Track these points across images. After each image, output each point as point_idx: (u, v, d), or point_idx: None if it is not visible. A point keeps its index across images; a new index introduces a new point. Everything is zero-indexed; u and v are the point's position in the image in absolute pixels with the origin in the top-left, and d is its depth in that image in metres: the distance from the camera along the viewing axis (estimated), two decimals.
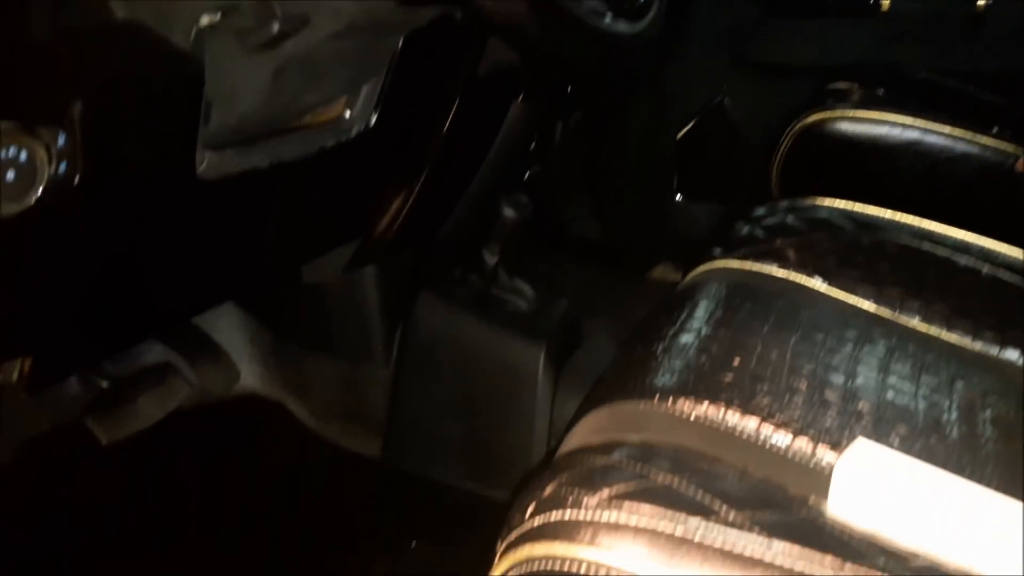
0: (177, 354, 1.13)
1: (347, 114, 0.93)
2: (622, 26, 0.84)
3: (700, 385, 0.59)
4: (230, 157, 0.80)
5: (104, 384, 1.06)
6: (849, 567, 0.42)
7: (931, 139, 1.14)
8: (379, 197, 1.08)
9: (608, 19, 0.83)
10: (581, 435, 0.58)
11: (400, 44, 0.91)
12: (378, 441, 1.20)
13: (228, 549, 1.05)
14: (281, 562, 1.06)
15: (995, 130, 1.18)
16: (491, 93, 1.09)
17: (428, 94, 1.02)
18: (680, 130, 1.77)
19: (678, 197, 1.80)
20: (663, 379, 0.61)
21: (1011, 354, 0.69)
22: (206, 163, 0.77)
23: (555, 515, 0.47)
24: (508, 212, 1.13)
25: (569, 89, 1.26)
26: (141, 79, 0.69)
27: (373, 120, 0.94)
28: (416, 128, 1.05)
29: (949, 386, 0.61)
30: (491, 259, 1.15)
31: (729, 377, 0.60)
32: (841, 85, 1.41)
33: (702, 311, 0.71)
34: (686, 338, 0.66)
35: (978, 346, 0.70)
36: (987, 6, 1.46)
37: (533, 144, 1.24)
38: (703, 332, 0.67)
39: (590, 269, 1.61)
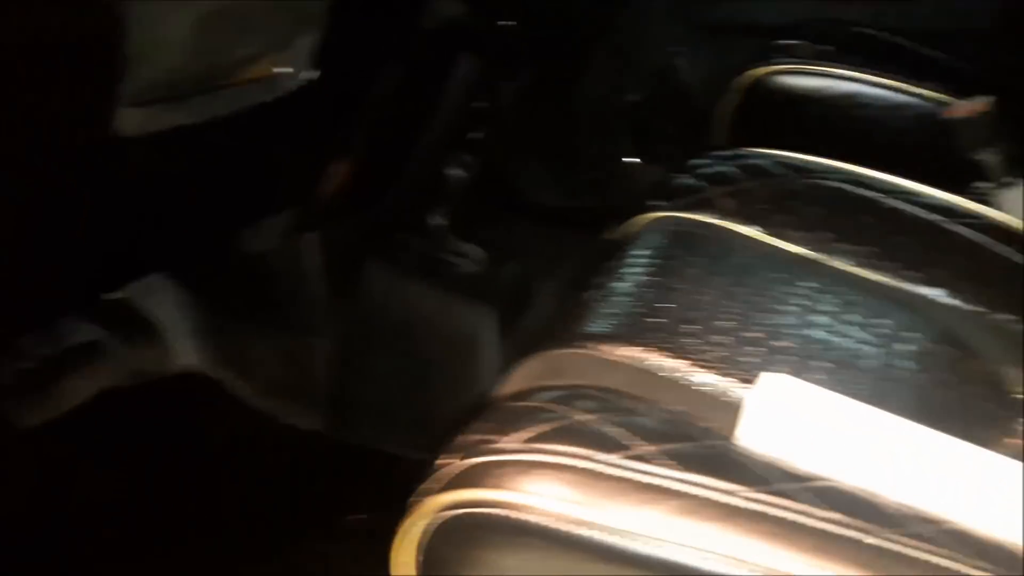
0: (106, 331, 1.06)
1: (282, 70, 0.91)
2: None
3: (630, 330, 0.59)
4: (155, 114, 0.78)
5: (26, 365, 1.00)
6: (750, 491, 0.42)
7: (870, 90, 1.15)
8: (320, 158, 1.07)
9: None
10: (509, 385, 0.58)
11: None
12: (324, 416, 1.18)
13: (167, 532, 1.02)
14: (226, 544, 1.03)
15: (934, 84, 1.20)
16: (437, 47, 1.07)
17: (369, 48, 1.00)
18: (634, 92, 1.78)
19: (634, 159, 1.81)
20: (594, 326, 0.61)
21: (932, 291, 0.70)
22: (129, 121, 0.75)
23: (471, 461, 0.46)
24: (455, 172, 1.12)
25: (519, 44, 1.25)
26: (56, 30, 0.66)
27: (310, 76, 0.92)
28: (358, 84, 1.03)
29: (871, 322, 0.62)
30: (439, 222, 1.14)
31: (658, 321, 0.60)
32: (787, 41, 1.41)
33: (637, 260, 0.71)
34: (620, 287, 0.67)
35: (903, 284, 0.71)
36: None
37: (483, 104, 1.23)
38: (637, 280, 0.67)
39: (546, 233, 1.61)
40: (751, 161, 0.86)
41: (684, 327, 0.59)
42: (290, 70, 0.91)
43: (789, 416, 0.47)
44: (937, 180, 1.03)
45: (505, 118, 1.42)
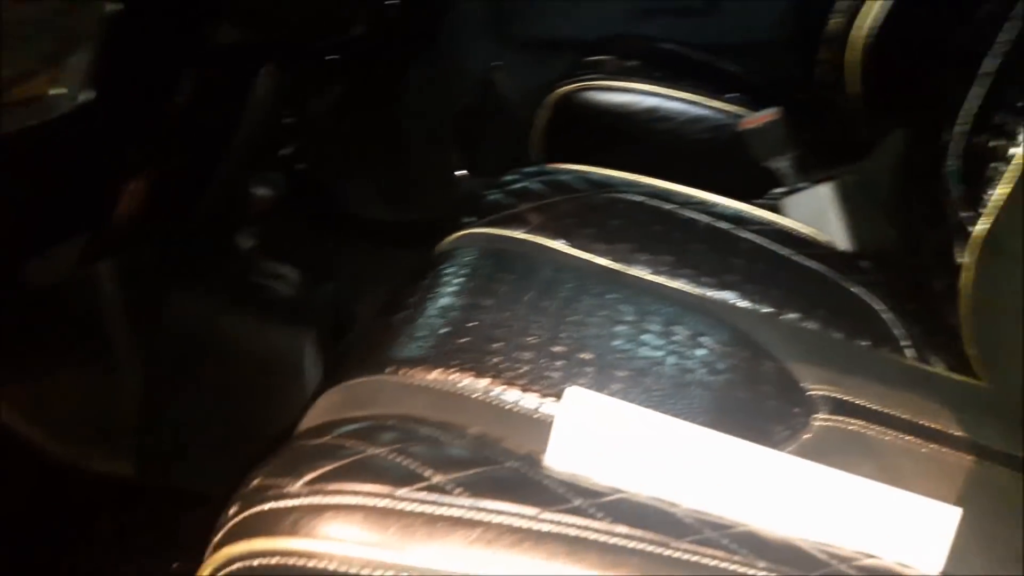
0: None
1: (52, 91, 0.83)
2: None
3: (436, 352, 0.58)
4: None
5: None
6: (548, 512, 0.42)
7: (670, 104, 1.20)
8: (112, 181, 0.98)
9: None
10: (308, 420, 0.55)
11: (113, 8, 0.82)
12: (131, 459, 1.08)
13: None
14: None
15: (730, 95, 1.28)
16: (235, 62, 1.01)
17: (157, 64, 0.93)
18: (457, 104, 1.79)
19: (459, 171, 1.82)
20: (400, 351, 0.59)
21: (726, 295, 0.74)
22: None
23: (256, 509, 0.43)
24: (260, 192, 1.07)
25: (328, 58, 1.22)
26: None
27: (87, 97, 0.84)
28: (148, 103, 0.96)
29: (668, 329, 0.64)
30: (247, 243, 1.08)
31: (464, 341, 0.60)
32: (597, 57, 1.46)
33: (447, 279, 0.70)
34: (429, 307, 0.66)
35: (698, 290, 0.74)
36: None
37: (290, 120, 1.18)
38: (446, 300, 0.66)
39: (372, 249, 1.57)
40: (557, 177, 0.88)
41: (491, 345, 0.59)
42: (64, 91, 0.83)
43: (591, 431, 0.47)
44: (736, 188, 1.10)
45: (318, 132, 1.37)
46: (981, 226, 0.68)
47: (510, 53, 1.79)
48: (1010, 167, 0.66)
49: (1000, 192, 0.67)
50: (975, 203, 0.69)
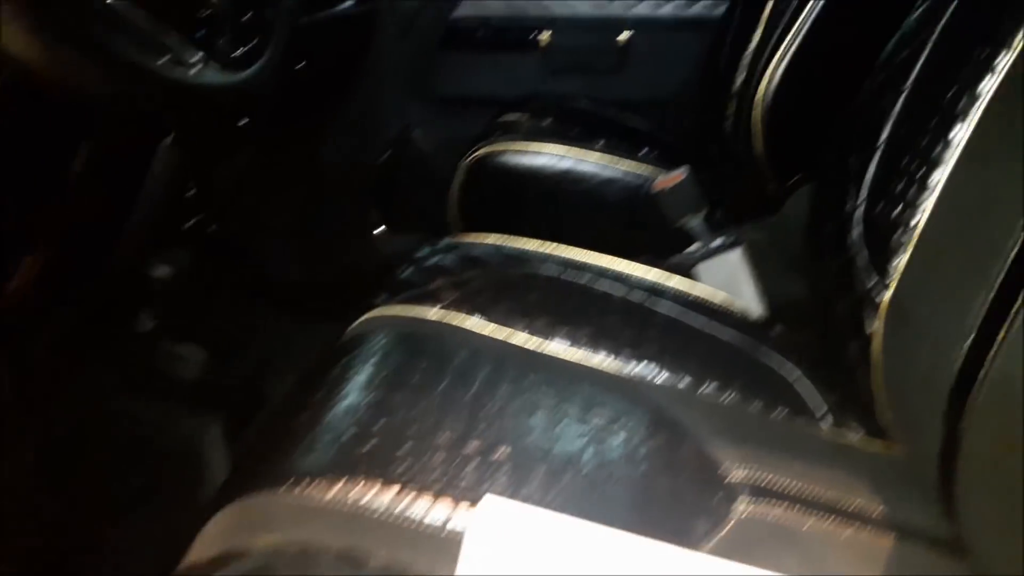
0: None
1: None
2: (214, 76, 0.77)
3: (338, 462, 0.55)
4: None
5: None
6: None
7: (583, 167, 1.20)
8: (0, 260, 0.92)
9: (195, 70, 0.75)
10: (201, 546, 0.51)
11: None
12: (13, 561, 0.99)
13: None
14: None
15: (642, 153, 1.29)
16: (131, 135, 0.97)
17: (49, 138, 0.88)
18: (374, 162, 1.77)
19: (379, 229, 1.79)
20: (300, 460, 0.55)
21: (645, 369, 0.72)
22: None
23: None
24: (161, 271, 1.01)
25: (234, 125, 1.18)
26: None
27: None
28: (39, 178, 0.90)
29: (586, 415, 0.62)
30: (146, 325, 1.02)
31: (371, 446, 0.56)
32: (511, 116, 1.47)
33: (354, 370, 0.67)
34: (333, 407, 0.62)
35: (617, 364, 0.72)
36: (628, 41, 1.61)
37: (192, 192, 1.13)
38: (351, 398, 0.63)
39: (289, 319, 1.52)
40: (471, 252, 0.86)
41: (400, 449, 0.56)
42: None
43: (504, 545, 0.44)
44: (651, 248, 1.10)
45: (229, 197, 1.32)
46: (887, 294, 0.69)
47: (427, 109, 1.79)
48: (913, 236, 0.67)
49: (903, 261, 0.68)
50: (881, 271, 0.70)
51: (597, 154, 1.22)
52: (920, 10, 0.73)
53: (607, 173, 1.21)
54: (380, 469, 0.53)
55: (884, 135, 0.74)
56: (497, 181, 1.25)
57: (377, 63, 1.71)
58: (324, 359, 0.72)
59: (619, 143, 1.31)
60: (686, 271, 0.97)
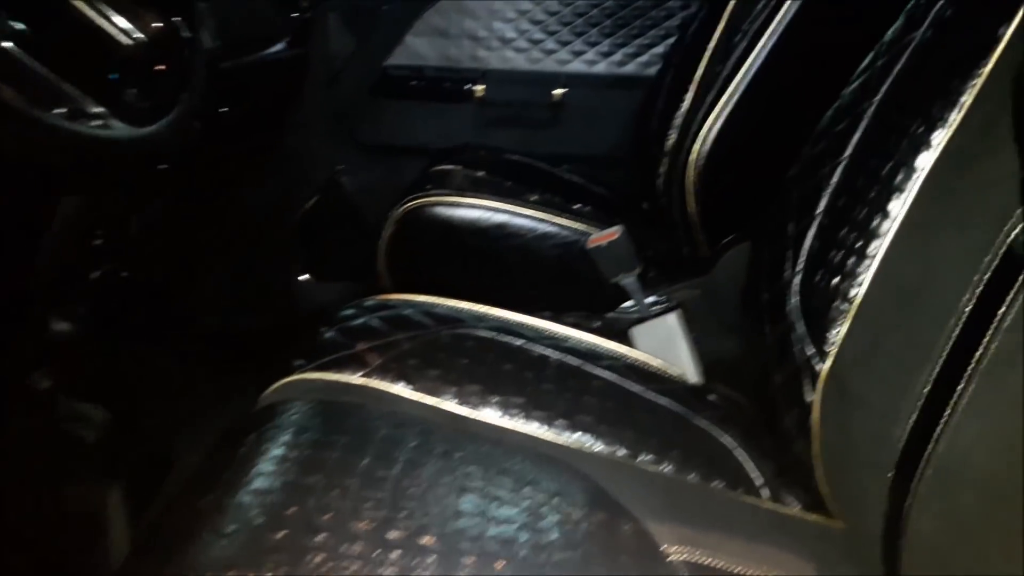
0: None
1: None
2: (119, 131, 0.72)
3: (245, 554, 0.49)
4: None
5: None
6: None
7: (518, 221, 1.18)
8: None
9: (97, 123, 0.70)
10: None
11: None
12: None
13: None
14: None
15: (576, 207, 1.28)
16: (28, 183, 0.90)
17: None
18: (300, 209, 1.72)
19: (303, 276, 1.73)
20: (203, 551, 0.50)
21: (580, 438, 0.69)
22: None
23: None
24: (60, 326, 0.94)
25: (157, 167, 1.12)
26: None
27: None
28: None
29: (520, 492, 0.58)
30: (44, 384, 0.94)
31: (282, 536, 0.51)
32: (444, 167, 1.44)
33: (266, 447, 0.61)
34: (242, 489, 0.56)
35: (551, 433, 0.69)
36: (562, 96, 1.61)
37: (100, 241, 1.06)
38: (262, 479, 0.57)
39: (207, 374, 1.43)
40: (399, 312, 0.82)
41: (315, 538, 0.51)
42: None
43: None
44: (585, 304, 1.08)
45: (138, 248, 1.25)
46: (826, 365, 0.67)
47: (356, 156, 1.76)
48: (852, 307, 0.66)
49: (842, 331, 0.67)
50: (819, 342, 0.68)
51: (531, 208, 1.20)
52: (858, 82, 0.74)
53: (541, 228, 1.19)
54: (290, 564, 0.48)
55: (822, 205, 0.73)
56: (428, 234, 1.21)
57: (305, 108, 1.67)
58: (235, 430, 0.66)
59: (553, 197, 1.30)
60: (622, 331, 0.95)
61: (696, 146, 1.15)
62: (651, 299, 1.06)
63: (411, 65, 1.71)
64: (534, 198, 1.22)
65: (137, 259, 1.26)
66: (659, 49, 1.61)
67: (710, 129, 1.14)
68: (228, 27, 1.18)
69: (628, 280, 1.09)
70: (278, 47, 1.43)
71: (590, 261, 1.11)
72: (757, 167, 1.02)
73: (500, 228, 1.17)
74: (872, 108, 0.68)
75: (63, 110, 0.66)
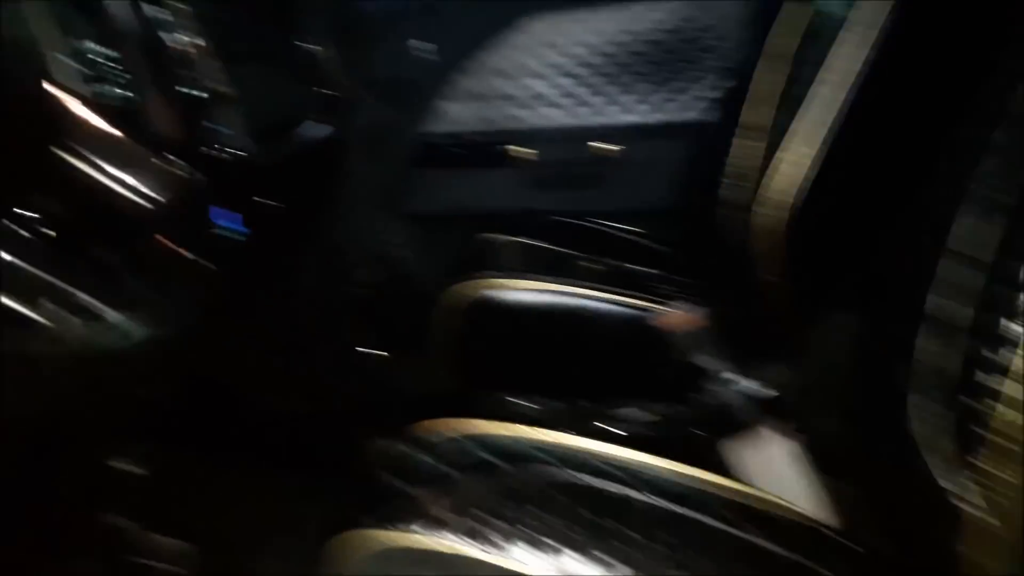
0: None
1: None
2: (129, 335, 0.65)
3: None
4: None
5: None
6: None
7: (572, 301, 1.11)
8: None
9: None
10: None
11: None
12: None
13: None
14: None
15: (641, 274, 1.18)
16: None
17: None
18: (360, 284, 1.67)
19: (362, 351, 1.68)
20: None
21: None
22: None
23: None
24: (126, 465, 0.87)
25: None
26: None
27: None
28: None
29: None
30: (116, 523, 0.88)
31: None
32: (494, 237, 1.38)
33: None
34: None
35: None
36: (609, 151, 1.52)
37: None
38: None
39: (283, 480, 1.36)
40: (460, 447, 0.73)
41: None
42: None
43: None
44: (659, 388, 0.98)
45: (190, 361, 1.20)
46: (991, 522, 0.51)
47: (401, 228, 1.72)
48: None
49: (994, 463, 0.51)
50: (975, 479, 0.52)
51: (593, 287, 1.11)
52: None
53: (601, 308, 1.10)
54: None
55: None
56: (485, 318, 1.15)
57: (348, 186, 1.63)
58: None
59: (615, 265, 1.21)
60: (714, 435, 0.84)
61: (778, 198, 1.04)
62: (738, 385, 0.96)
63: (449, 131, 1.66)
64: (594, 269, 1.14)
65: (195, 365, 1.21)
66: (710, 94, 1.51)
67: (794, 182, 1.02)
68: (260, 120, 1.15)
69: (706, 362, 1.00)
70: (313, 129, 1.40)
71: (661, 343, 1.02)
72: (857, 221, 0.90)
73: (561, 312, 1.09)
74: None
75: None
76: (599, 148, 1.53)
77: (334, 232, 1.66)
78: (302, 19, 1.49)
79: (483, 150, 1.63)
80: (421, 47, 1.65)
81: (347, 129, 1.52)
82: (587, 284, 1.11)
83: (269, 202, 1.19)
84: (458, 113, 1.66)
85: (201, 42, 1.08)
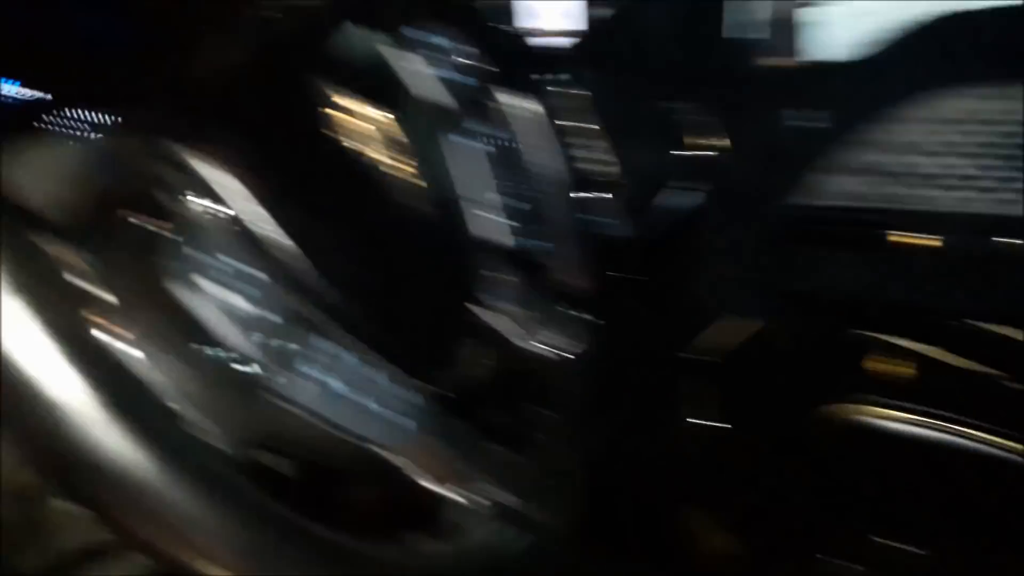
0: None
1: None
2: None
3: None
4: None
5: None
6: None
7: (954, 442, 1.03)
8: None
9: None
10: None
11: None
12: None
13: None
14: None
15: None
16: None
17: None
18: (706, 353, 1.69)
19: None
20: None
21: None
22: None
23: None
24: None
25: None
26: None
27: None
28: None
29: None
30: None
31: None
32: (864, 338, 1.32)
33: None
34: None
35: None
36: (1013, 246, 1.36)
37: None
38: None
39: None
40: None
41: None
42: None
43: None
44: None
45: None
46: None
47: (757, 304, 1.69)
48: None
49: None
50: None
51: (984, 433, 1.03)
52: None
53: (990, 451, 1.02)
54: None
55: None
56: (854, 442, 1.12)
57: (709, 253, 1.65)
58: None
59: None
60: None
61: None
62: None
63: (816, 205, 1.61)
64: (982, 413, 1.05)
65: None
66: None
67: None
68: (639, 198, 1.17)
69: None
70: (678, 197, 1.39)
71: None
72: None
73: (943, 450, 1.03)
74: None
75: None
76: (1007, 244, 1.38)
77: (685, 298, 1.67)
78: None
79: (861, 231, 1.56)
80: (807, 115, 1.61)
81: (713, 194, 1.53)
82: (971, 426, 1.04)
83: (637, 276, 1.21)
84: (827, 185, 1.61)
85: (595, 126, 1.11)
